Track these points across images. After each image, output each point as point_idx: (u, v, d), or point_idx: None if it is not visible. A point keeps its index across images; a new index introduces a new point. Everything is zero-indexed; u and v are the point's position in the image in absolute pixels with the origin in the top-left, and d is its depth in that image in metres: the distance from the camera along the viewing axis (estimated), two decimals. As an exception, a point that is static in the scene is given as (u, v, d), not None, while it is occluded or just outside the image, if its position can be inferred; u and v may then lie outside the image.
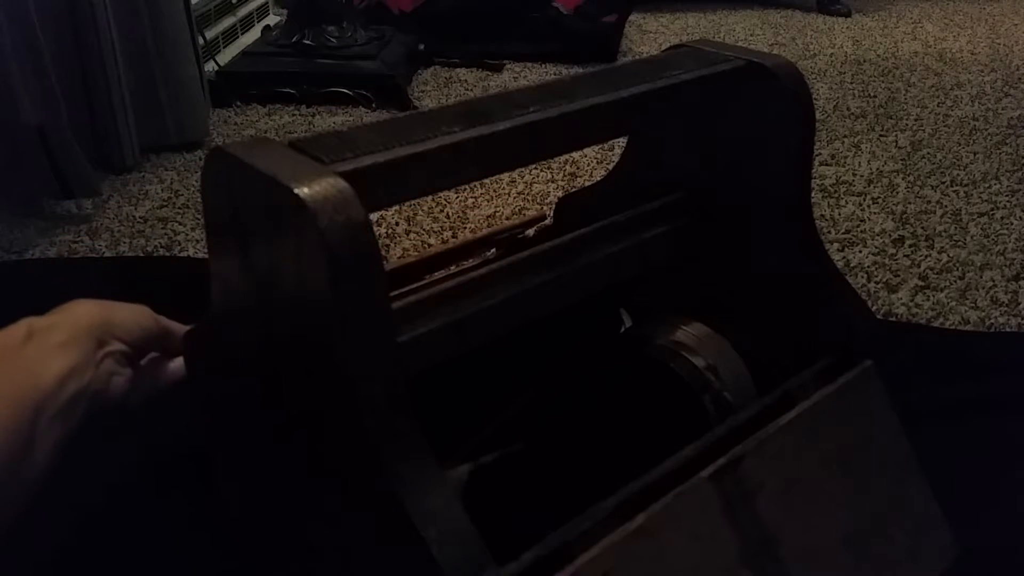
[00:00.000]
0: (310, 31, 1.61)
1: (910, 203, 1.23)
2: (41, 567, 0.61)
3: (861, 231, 1.15)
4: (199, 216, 1.14)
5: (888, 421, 0.58)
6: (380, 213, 1.12)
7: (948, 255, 1.08)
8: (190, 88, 1.34)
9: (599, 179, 0.72)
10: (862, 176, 1.32)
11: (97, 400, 0.51)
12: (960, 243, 1.12)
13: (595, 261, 0.58)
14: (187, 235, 1.10)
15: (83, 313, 0.53)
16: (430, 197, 1.19)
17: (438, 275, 0.59)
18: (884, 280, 1.03)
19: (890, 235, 1.13)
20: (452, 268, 0.65)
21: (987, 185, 1.29)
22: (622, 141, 0.71)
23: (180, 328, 0.57)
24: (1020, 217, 1.19)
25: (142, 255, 1.06)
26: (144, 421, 0.60)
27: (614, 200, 0.63)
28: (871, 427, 0.57)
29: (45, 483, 0.48)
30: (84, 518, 0.65)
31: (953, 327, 0.94)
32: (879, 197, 1.24)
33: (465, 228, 1.13)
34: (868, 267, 1.06)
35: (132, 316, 0.55)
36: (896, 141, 1.45)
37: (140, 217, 1.15)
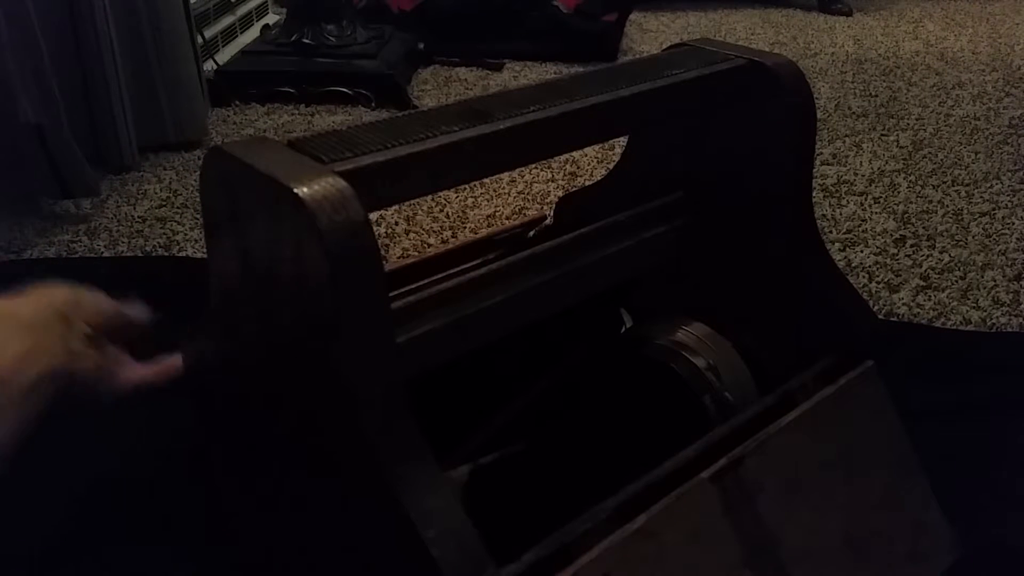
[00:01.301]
0: (309, 30, 1.61)
1: (911, 203, 1.22)
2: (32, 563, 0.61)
3: (862, 231, 1.14)
4: (198, 216, 1.13)
5: (889, 421, 0.58)
6: (380, 213, 1.12)
7: (949, 255, 1.08)
8: (189, 87, 1.34)
9: (599, 179, 0.72)
10: (863, 176, 1.31)
11: (65, 380, 0.49)
12: (961, 243, 1.11)
13: (595, 261, 0.58)
14: (186, 235, 1.10)
15: (49, 294, 0.52)
16: (430, 197, 1.19)
17: (438, 275, 0.59)
18: (885, 280, 1.03)
19: (891, 235, 1.13)
20: (452, 269, 0.65)
21: (988, 185, 1.28)
22: (622, 141, 0.71)
23: (139, 319, 0.56)
24: (1022, 217, 1.19)
25: (140, 255, 1.06)
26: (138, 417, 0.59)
27: (614, 200, 0.63)
28: (872, 427, 0.57)
29: (9, 462, 0.47)
30: (67, 514, 0.65)
31: (954, 327, 0.94)
32: (880, 197, 1.24)
33: (465, 228, 1.13)
34: (869, 267, 1.05)
35: (95, 300, 0.54)
36: (897, 140, 1.45)
37: (139, 217, 1.14)
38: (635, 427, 0.59)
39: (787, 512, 0.51)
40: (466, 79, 1.74)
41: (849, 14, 2.30)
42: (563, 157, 1.32)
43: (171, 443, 0.71)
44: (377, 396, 0.40)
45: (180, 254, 1.06)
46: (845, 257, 1.07)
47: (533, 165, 1.28)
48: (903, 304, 0.98)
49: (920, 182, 1.29)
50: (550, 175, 1.29)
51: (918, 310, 0.97)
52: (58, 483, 0.67)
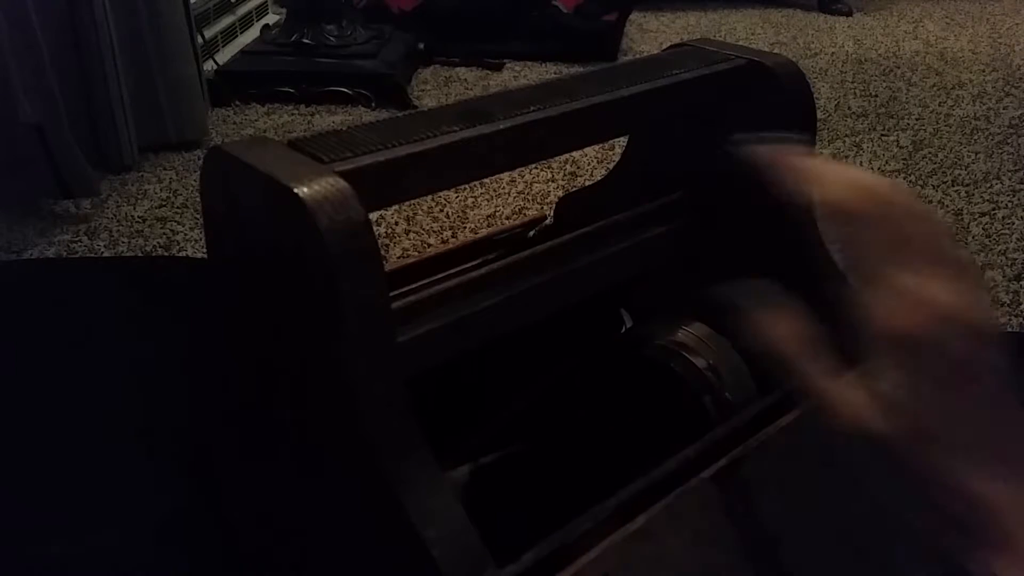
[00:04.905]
0: (309, 30, 1.61)
1: (911, 203, 1.22)
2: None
3: (862, 231, 1.14)
4: (198, 216, 1.13)
5: (889, 421, 0.58)
6: (380, 213, 1.12)
7: (949, 255, 1.08)
8: (189, 87, 1.34)
9: (599, 179, 0.72)
10: (863, 175, 1.31)
11: None
12: (961, 243, 1.11)
13: (595, 261, 0.58)
14: (186, 235, 1.10)
15: None
16: (430, 197, 1.19)
17: (438, 275, 0.59)
18: (885, 280, 1.03)
19: (891, 235, 1.13)
20: (452, 269, 0.65)
21: (988, 185, 1.28)
22: (622, 141, 0.71)
23: None
24: (1021, 217, 1.19)
25: (140, 255, 1.06)
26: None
27: (614, 200, 0.63)
28: (872, 427, 0.57)
29: None
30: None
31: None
32: (880, 197, 1.24)
33: (465, 228, 1.13)
34: (869, 267, 1.05)
35: None
36: (897, 141, 1.45)
37: (139, 217, 1.14)
38: (635, 427, 0.59)
39: (787, 512, 0.51)
40: (466, 79, 1.74)
41: (849, 14, 2.30)
42: (563, 157, 1.32)
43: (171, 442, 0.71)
44: (377, 396, 0.40)
45: (180, 254, 1.06)
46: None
47: (533, 165, 1.28)
48: (903, 304, 0.98)
49: (920, 182, 1.29)
50: (550, 175, 1.28)
51: (918, 310, 0.97)
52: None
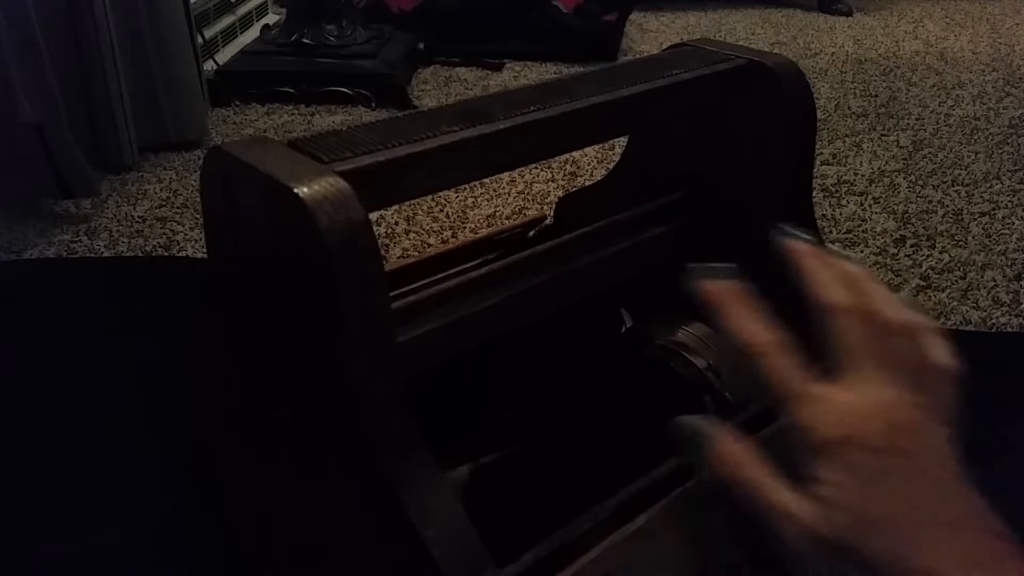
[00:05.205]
0: (309, 30, 1.61)
1: (911, 203, 1.22)
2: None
3: (862, 231, 1.14)
4: (198, 216, 1.14)
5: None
6: (380, 213, 1.12)
7: (949, 255, 1.08)
8: (189, 87, 1.34)
9: (599, 178, 0.72)
10: (863, 176, 1.31)
11: None
12: (961, 243, 1.12)
13: (595, 261, 0.58)
14: (186, 235, 1.10)
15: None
16: (430, 197, 1.19)
17: (438, 275, 0.59)
18: (885, 280, 1.03)
19: (891, 235, 1.13)
20: (452, 269, 0.65)
21: (988, 185, 1.28)
22: (622, 140, 0.71)
23: None
24: (1022, 217, 1.19)
25: (141, 255, 1.06)
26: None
27: (615, 200, 0.63)
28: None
29: None
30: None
31: (954, 327, 0.94)
32: (880, 197, 1.24)
33: (465, 228, 1.13)
34: (869, 267, 1.05)
35: None
36: (897, 140, 1.45)
37: (139, 217, 1.14)
38: (635, 427, 0.59)
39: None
40: (466, 79, 1.74)
41: (849, 14, 2.30)
42: (563, 157, 1.32)
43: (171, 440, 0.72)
44: (377, 396, 0.40)
45: (180, 254, 1.06)
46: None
47: (533, 165, 1.28)
48: (903, 304, 0.98)
49: (920, 182, 1.29)
50: (550, 175, 1.29)
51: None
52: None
